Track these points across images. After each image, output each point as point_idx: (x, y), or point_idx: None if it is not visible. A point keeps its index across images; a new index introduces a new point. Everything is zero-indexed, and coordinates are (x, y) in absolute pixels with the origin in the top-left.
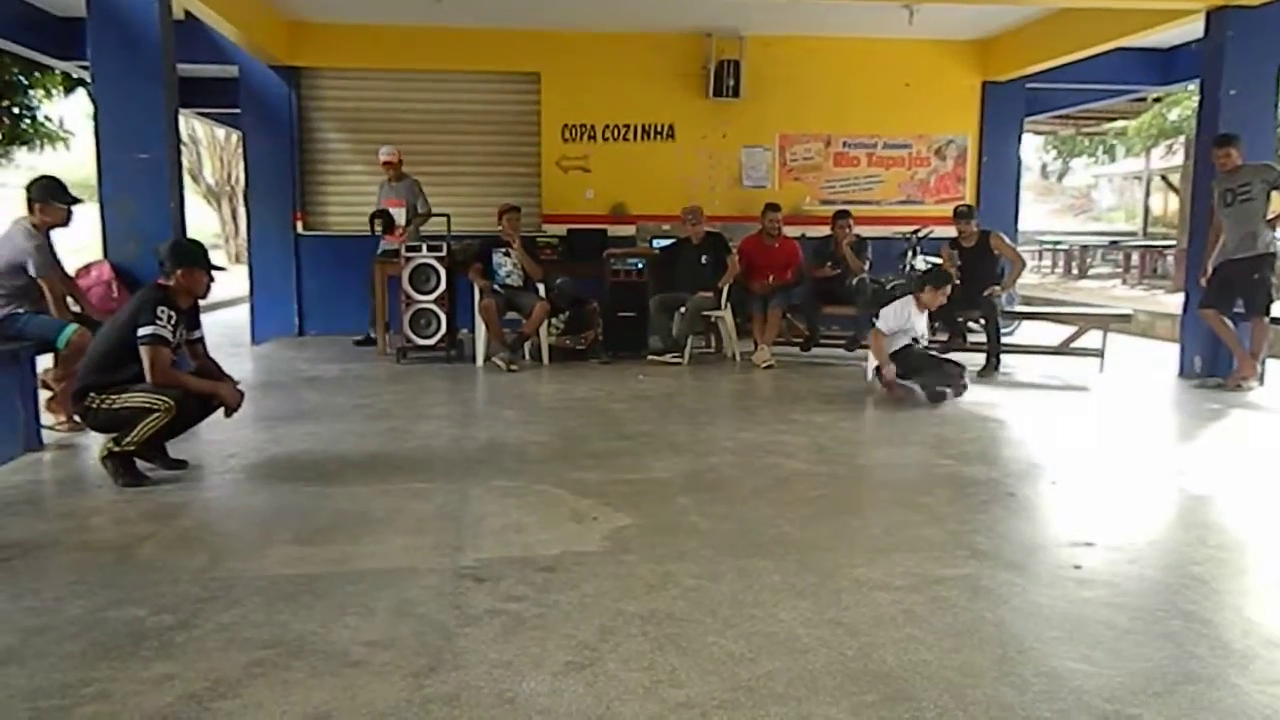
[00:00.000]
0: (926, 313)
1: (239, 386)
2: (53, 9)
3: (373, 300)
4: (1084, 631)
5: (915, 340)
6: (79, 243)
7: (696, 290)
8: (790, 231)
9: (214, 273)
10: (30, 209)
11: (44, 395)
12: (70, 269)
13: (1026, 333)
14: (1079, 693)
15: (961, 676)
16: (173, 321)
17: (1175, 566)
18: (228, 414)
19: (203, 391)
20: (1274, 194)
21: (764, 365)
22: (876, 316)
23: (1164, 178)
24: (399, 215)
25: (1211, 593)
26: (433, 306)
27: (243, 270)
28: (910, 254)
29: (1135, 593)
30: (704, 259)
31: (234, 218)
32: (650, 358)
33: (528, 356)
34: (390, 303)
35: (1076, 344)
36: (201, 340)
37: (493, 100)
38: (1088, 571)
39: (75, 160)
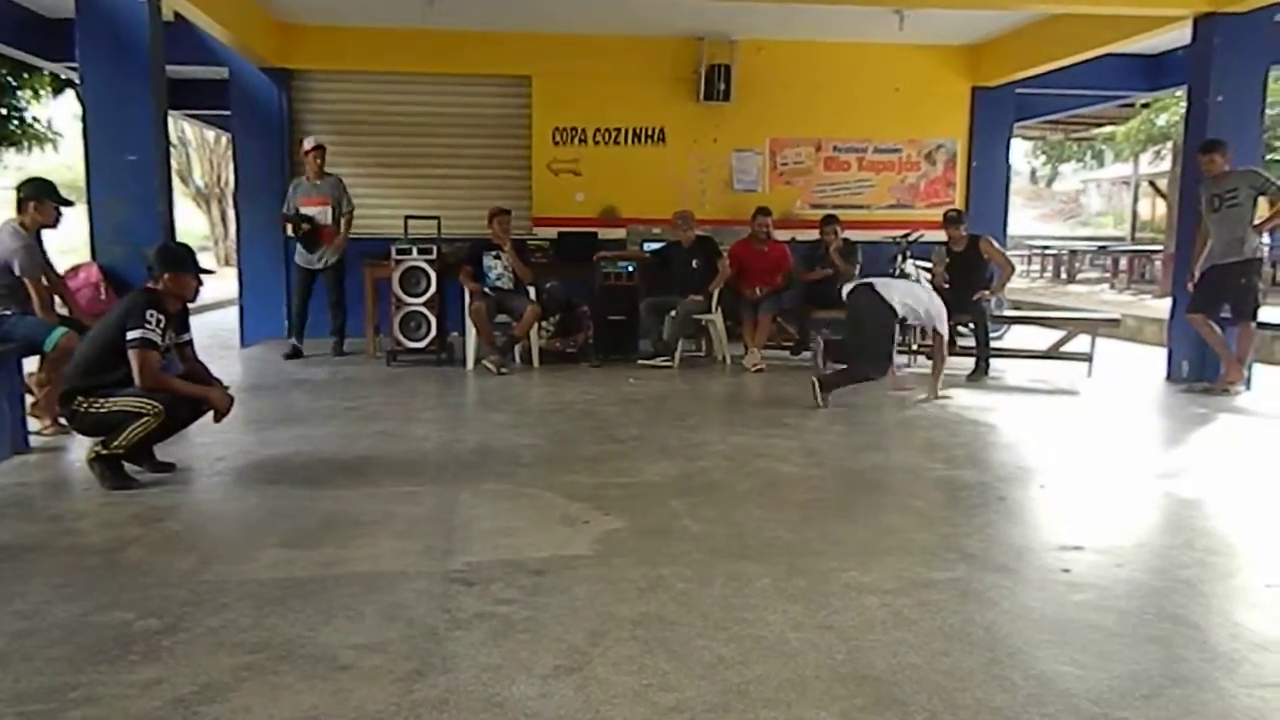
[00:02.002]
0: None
1: (229, 391)
2: (41, 10)
3: (296, 304)
4: (1072, 635)
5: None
6: (68, 244)
7: (687, 294)
8: (781, 236)
9: (202, 276)
10: (21, 209)
11: (28, 399)
12: (59, 270)
13: (1015, 337)
14: (1067, 696)
15: (950, 680)
16: (161, 325)
17: (1163, 570)
18: (217, 419)
19: (192, 396)
20: (1260, 199)
21: (754, 369)
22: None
23: (1152, 183)
24: (323, 216)
25: (1199, 596)
26: (423, 309)
27: (232, 272)
28: (900, 258)
29: (1123, 596)
30: (694, 263)
31: (223, 220)
32: (641, 361)
33: (518, 360)
34: (380, 306)
35: (1065, 348)
36: (190, 343)
37: (483, 103)
38: (1076, 575)
39: (64, 162)
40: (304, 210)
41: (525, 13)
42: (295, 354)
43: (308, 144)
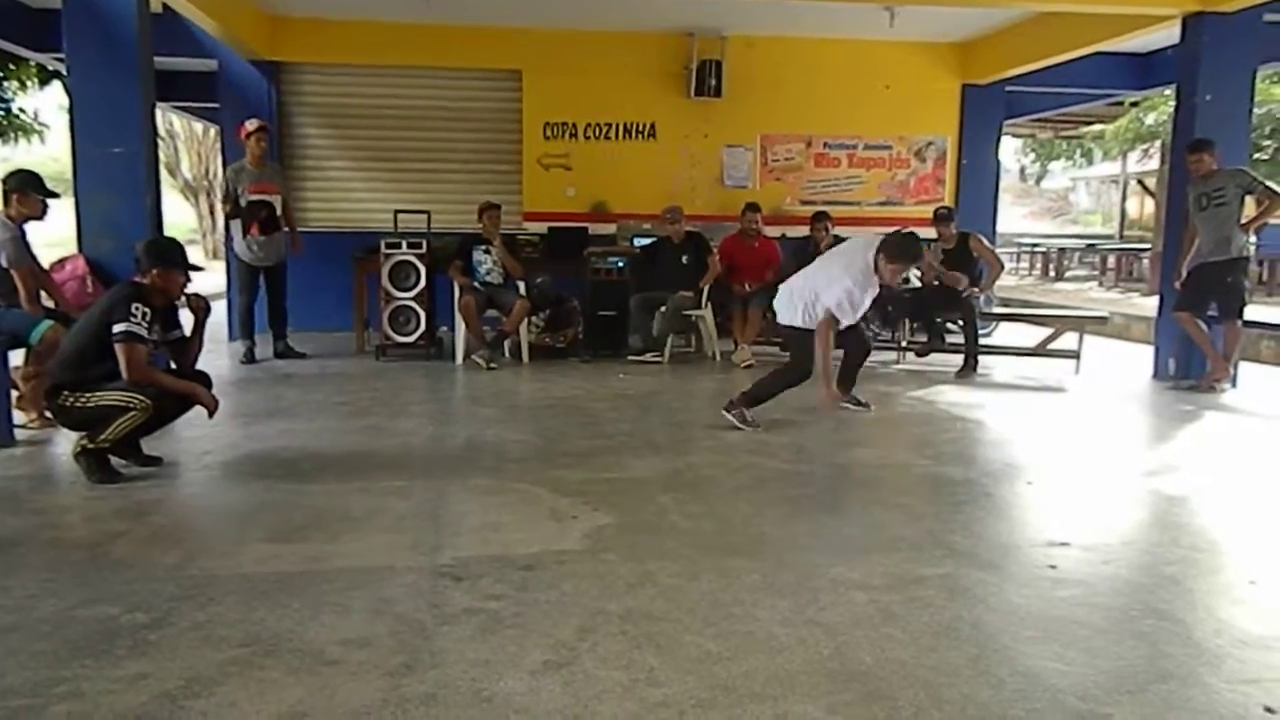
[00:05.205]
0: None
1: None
2: (28, 0)
3: (244, 303)
4: (1058, 631)
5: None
6: (54, 237)
7: (677, 289)
8: (771, 232)
9: (190, 273)
10: (6, 201)
11: (13, 393)
12: (45, 263)
13: (1004, 334)
14: (1053, 691)
15: (937, 675)
16: (147, 319)
17: (1148, 566)
18: (210, 414)
19: (179, 391)
20: (1248, 199)
21: (744, 364)
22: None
23: (1140, 181)
24: (277, 206)
25: (1184, 592)
26: (412, 304)
27: (220, 265)
28: None
29: (1109, 592)
30: (685, 258)
31: (211, 213)
32: (630, 357)
33: (508, 355)
34: (370, 300)
35: (1053, 346)
36: (184, 339)
37: (474, 97)
38: (1063, 571)
39: (50, 154)
40: (253, 199)
41: (516, 7)
42: (251, 358)
43: (250, 125)
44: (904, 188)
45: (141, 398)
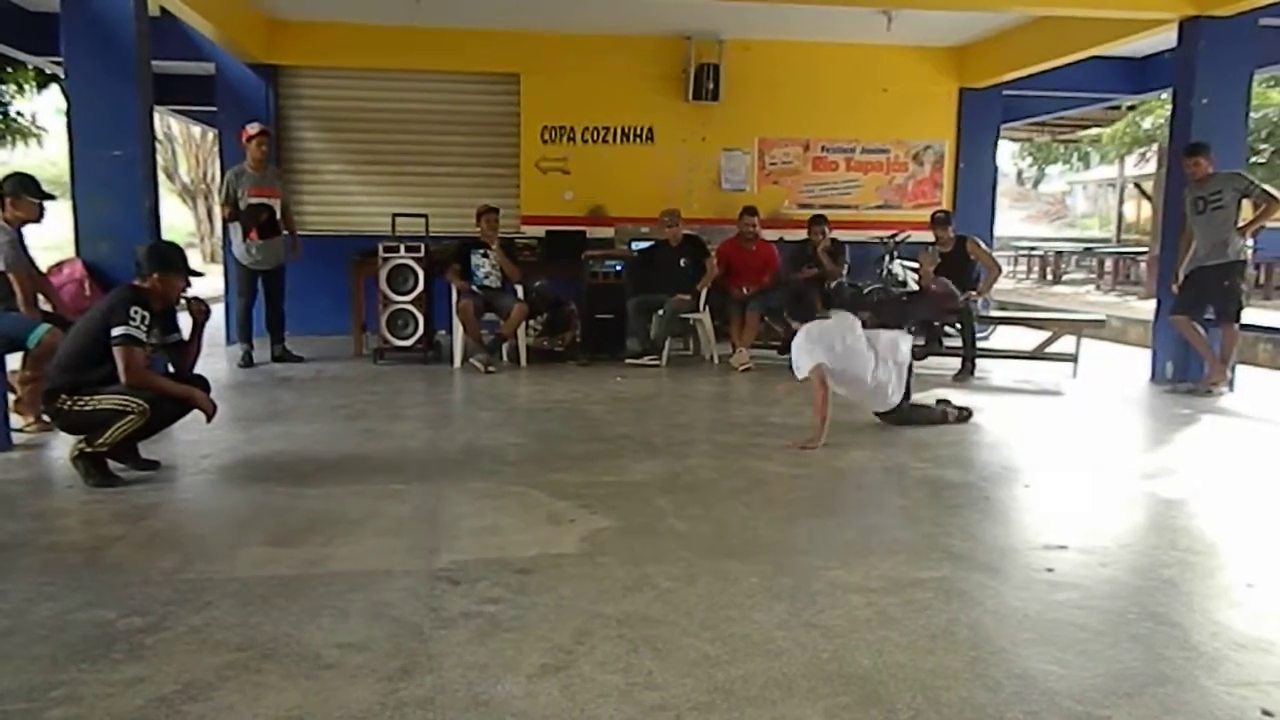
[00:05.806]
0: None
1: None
2: (25, 4)
3: (243, 306)
4: (1056, 633)
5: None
6: (52, 240)
7: (675, 293)
8: (768, 235)
9: (191, 278)
10: (1, 204)
11: (10, 396)
12: (42, 267)
13: (1001, 338)
14: (1050, 694)
15: (935, 678)
16: (145, 322)
17: (1146, 569)
18: (209, 419)
19: (178, 394)
20: (1244, 202)
21: (742, 368)
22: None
23: (1137, 185)
24: (276, 209)
25: (1181, 595)
26: (410, 307)
27: (217, 269)
28: (888, 258)
29: (1106, 595)
30: (682, 262)
31: (209, 216)
32: (628, 360)
33: (505, 358)
34: (368, 303)
35: (1051, 349)
36: (182, 342)
37: (472, 101)
38: (1060, 574)
39: (48, 157)
40: (253, 202)
41: (514, 11)
42: (249, 361)
43: (252, 129)
44: (901, 191)
45: (139, 401)
